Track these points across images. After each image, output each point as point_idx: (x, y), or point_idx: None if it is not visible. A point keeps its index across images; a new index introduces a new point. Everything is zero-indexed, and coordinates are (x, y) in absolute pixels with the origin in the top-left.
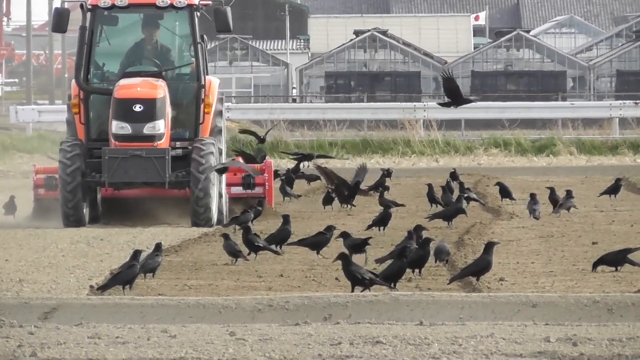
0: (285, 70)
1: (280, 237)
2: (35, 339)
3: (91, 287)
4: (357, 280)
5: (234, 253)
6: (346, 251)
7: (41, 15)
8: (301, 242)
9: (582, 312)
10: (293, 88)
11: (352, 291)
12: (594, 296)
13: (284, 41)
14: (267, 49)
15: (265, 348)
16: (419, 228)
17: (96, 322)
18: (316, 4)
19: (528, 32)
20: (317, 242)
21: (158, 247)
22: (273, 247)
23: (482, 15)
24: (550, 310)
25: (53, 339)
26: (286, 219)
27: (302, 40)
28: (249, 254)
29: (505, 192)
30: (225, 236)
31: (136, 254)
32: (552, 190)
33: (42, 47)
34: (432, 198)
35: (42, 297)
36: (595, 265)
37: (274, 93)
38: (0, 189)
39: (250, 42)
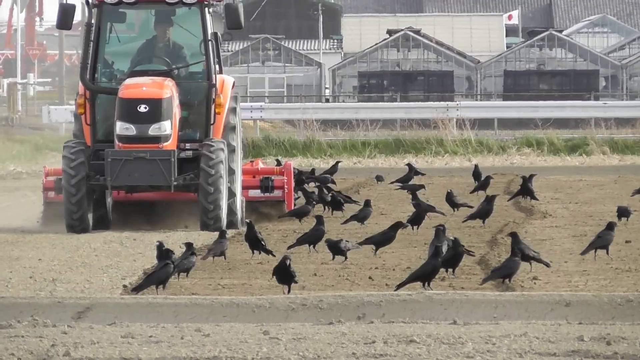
0: (318, 70)
1: (314, 237)
2: (68, 339)
3: (124, 286)
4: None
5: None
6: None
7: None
8: (368, 241)
9: (616, 311)
10: (326, 88)
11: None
12: (628, 295)
13: (317, 41)
14: (299, 49)
15: (299, 347)
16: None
17: (129, 322)
18: (349, 3)
19: (561, 31)
20: (383, 240)
21: (189, 246)
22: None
23: (515, 14)
24: (583, 309)
25: (86, 338)
26: (319, 219)
27: (335, 40)
28: (252, 253)
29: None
30: (222, 233)
31: (168, 252)
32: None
33: (75, 47)
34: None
35: (75, 296)
36: None
37: (307, 93)
38: (32, 189)
39: (282, 42)
